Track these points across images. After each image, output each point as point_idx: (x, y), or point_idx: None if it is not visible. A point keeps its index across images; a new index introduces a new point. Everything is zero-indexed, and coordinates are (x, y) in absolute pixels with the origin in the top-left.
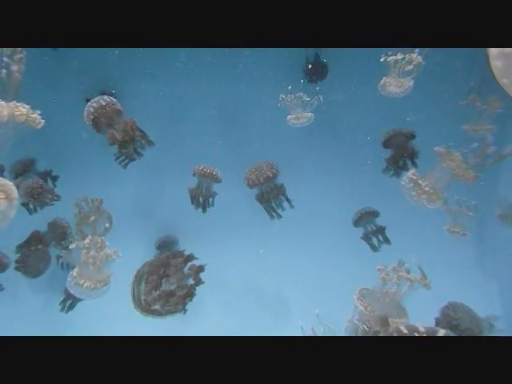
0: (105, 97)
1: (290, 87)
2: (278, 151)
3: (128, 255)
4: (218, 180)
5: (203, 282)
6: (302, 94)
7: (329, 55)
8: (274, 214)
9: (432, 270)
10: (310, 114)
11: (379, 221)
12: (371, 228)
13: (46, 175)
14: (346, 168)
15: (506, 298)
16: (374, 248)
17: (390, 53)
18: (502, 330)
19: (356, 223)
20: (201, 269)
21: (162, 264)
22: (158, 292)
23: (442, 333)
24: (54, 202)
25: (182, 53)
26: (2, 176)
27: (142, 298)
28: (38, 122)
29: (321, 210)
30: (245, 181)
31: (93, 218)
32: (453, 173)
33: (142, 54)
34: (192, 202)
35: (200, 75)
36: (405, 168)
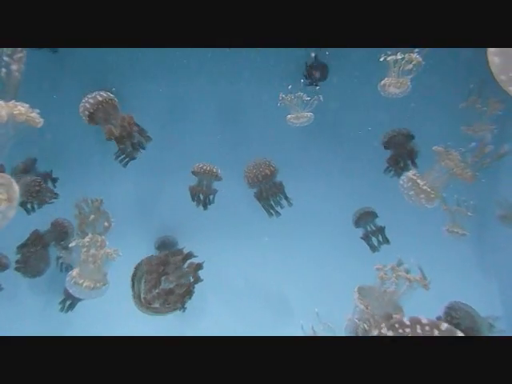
0: (102, 92)
1: (290, 87)
2: (277, 151)
3: (128, 254)
4: (218, 177)
5: (202, 280)
6: (301, 94)
7: (329, 55)
8: (272, 211)
9: (432, 270)
10: (309, 114)
11: (379, 221)
12: (371, 228)
13: (46, 176)
14: (346, 168)
15: (506, 297)
16: (374, 248)
17: (389, 52)
18: (502, 330)
19: (356, 223)
20: (199, 266)
21: (161, 262)
22: (157, 290)
23: (444, 327)
24: (53, 200)
25: (182, 53)
26: None
27: (142, 296)
28: (37, 121)
29: (320, 210)
30: (244, 179)
31: (92, 216)
32: (451, 172)
33: (142, 53)
34: (193, 200)
35: (200, 75)
36: (406, 168)
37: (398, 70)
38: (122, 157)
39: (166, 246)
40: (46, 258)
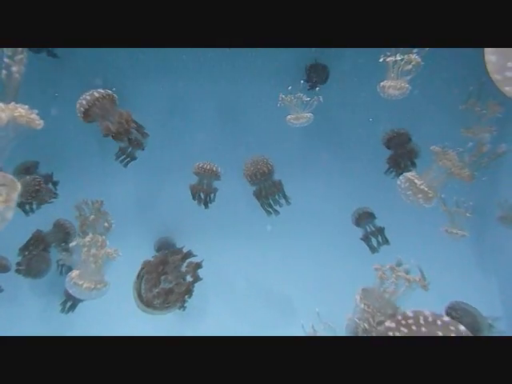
0: (99, 89)
1: (289, 87)
2: (277, 151)
3: (129, 254)
4: (218, 176)
5: (201, 279)
6: (301, 95)
7: (328, 56)
8: (270, 210)
9: (432, 270)
10: (309, 115)
11: (379, 221)
12: (370, 229)
13: (47, 179)
14: (346, 168)
15: (506, 297)
16: (373, 249)
17: (388, 53)
18: (502, 331)
19: (356, 223)
20: (199, 266)
21: (161, 262)
22: (157, 289)
23: (446, 318)
24: (53, 200)
25: (182, 52)
26: None
27: (143, 295)
28: (37, 122)
29: (320, 209)
30: (244, 177)
31: (92, 216)
32: (449, 172)
33: (142, 53)
34: (193, 198)
35: (200, 75)
36: (406, 169)
37: (398, 71)
38: (123, 157)
39: (165, 247)
40: (47, 260)
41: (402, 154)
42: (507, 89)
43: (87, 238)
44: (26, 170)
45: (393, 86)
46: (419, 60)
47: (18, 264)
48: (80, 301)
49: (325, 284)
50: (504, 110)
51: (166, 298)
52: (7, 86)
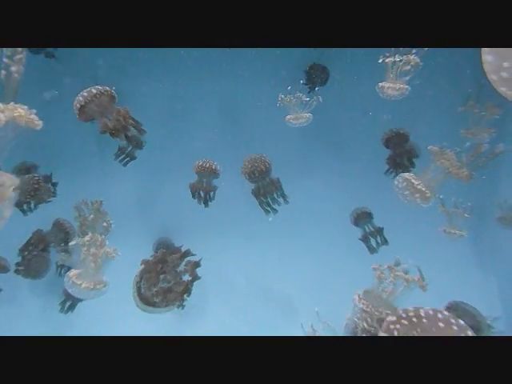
0: (97, 86)
1: (289, 88)
2: (276, 151)
3: (128, 254)
4: (217, 174)
5: (200, 278)
6: (301, 95)
7: (328, 56)
8: (269, 209)
9: (431, 270)
10: (308, 115)
11: (378, 221)
12: (369, 229)
13: (46, 179)
14: (345, 168)
15: (505, 296)
16: (372, 250)
17: (387, 54)
18: (501, 331)
19: (355, 223)
20: (197, 264)
21: (159, 261)
22: (156, 288)
23: (446, 313)
24: (52, 199)
25: (183, 52)
26: None
27: (142, 294)
28: (36, 122)
29: (319, 209)
30: (242, 175)
31: (91, 216)
32: (447, 171)
33: (142, 53)
34: (193, 197)
35: (200, 75)
36: (406, 169)
37: (397, 72)
38: (122, 157)
39: (163, 247)
40: (47, 260)
41: (400, 154)
42: (503, 89)
43: (86, 238)
44: (26, 170)
45: (392, 87)
46: (418, 60)
47: (18, 264)
48: (79, 300)
49: (324, 283)
50: (502, 111)
51: (165, 297)
52: (6, 86)
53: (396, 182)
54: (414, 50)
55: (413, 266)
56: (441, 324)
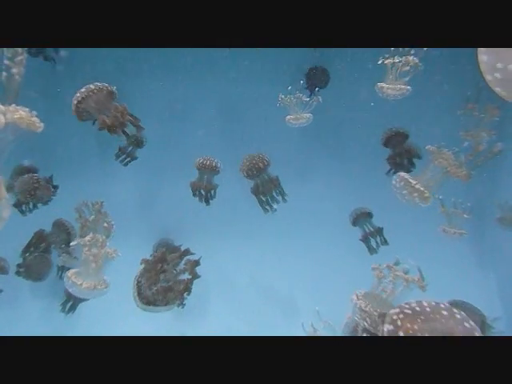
0: (96, 82)
1: (289, 88)
2: (276, 151)
3: (128, 254)
4: (217, 171)
5: (199, 276)
6: (301, 95)
7: (328, 56)
8: (267, 208)
9: (431, 270)
10: (308, 115)
11: (378, 221)
12: (369, 229)
13: (47, 181)
14: (345, 168)
15: (505, 296)
16: (372, 250)
17: (387, 55)
18: (502, 331)
19: (354, 223)
20: (197, 263)
21: (159, 260)
22: (156, 287)
23: (447, 306)
24: (52, 198)
25: (183, 52)
26: None
27: (142, 293)
28: (37, 125)
29: (319, 209)
30: (240, 172)
31: (92, 216)
32: (445, 171)
33: (143, 52)
34: (194, 195)
35: (200, 75)
36: (407, 170)
37: (396, 73)
38: (123, 157)
39: (163, 247)
40: (48, 263)
41: (400, 153)
42: (498, 89)
43: (87, 238)
44: (26, 171)
45: (391, 87)
46: (417, 61)
47: (19, 266)
48: (80, 301)
49: (324, 283)
50: (502, 112)
51: (165, 296)
52: (7, 87)
53: (394, 182)
54: (412, 51)
55: (413, 266)
56: (444, 312)
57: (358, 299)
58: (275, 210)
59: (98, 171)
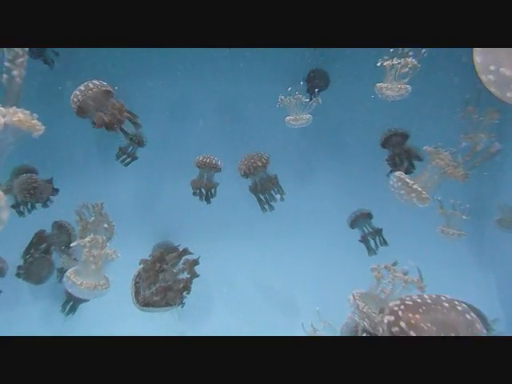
0: (94, 80)
1: (289, 89)
2: (276, 151)
3: (128, 254)
4: (218, 169)
5: (198, 275)
6: (300, 96)
7: (328, 57)
8: (266, 206)
9: (430, 270)
10: (308, 116)
11: (378, 222)
12: (368, 230)
13: (47, 184)
14: (345, 169)
15: (505, 297)
16: (371, 251)
17: (386, 57)
18: (501, 332)
19: (352, 225)
20: (196, 262)
21: (157, 260)
22: (155, 287)
23: (448, 298)
24: (51, 197)
25: (183, 52)
26: None
27: (141, 293)
28: (38, 128)
29: (319, 209)
30: (238, 171)
31: (93, 218)
32: (442, 171)
33: (143, 52)
34: (194, 194)
35: (200, 75)
36: (408, 171)
37: (395, 74)
38: (124, 157)
39: (162, 248)
40: (48, 265)
41: (399, 154)
42: (492, 89)
43: (87, 239)
44: (25, 171)
45: (390, 88)
46: (415, 63)
47: (19, 268)
48: (81, 302)
49: (325, 283)
50: (502, 114)
51: (165, 295)
52: (8, 90)
53: (391, 182)
54: (411, 53)
55: (412, 266)
56: (445, 304)
57: (355, 299)
58: (273, 208)
59: (98, 171)
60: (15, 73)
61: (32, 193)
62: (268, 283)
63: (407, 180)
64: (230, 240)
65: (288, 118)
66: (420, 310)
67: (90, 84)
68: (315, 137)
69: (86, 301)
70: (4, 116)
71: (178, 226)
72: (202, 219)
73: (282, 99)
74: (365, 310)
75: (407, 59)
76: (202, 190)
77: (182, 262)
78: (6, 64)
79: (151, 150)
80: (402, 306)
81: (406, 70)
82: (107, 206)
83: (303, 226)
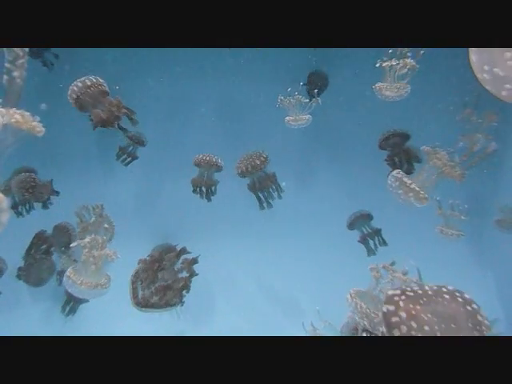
0: (91, 77)
1: (289, 89)
2: (275, 152)
3: (129, 255)
4: (219, 167)
5: (197, 274)
6: (300, 97)
7: (327, 57)
8: (264, 204)
9: (430, 270)
10: (308, 116)
11: (377, 222)
12: (367, 231)
13: (47, 186)
14: (344, 169)
15: (504, 298)
16: (370, 252)
17: (385, 58)
18: (501, 332)
19: (350, 226)
20: (194, 261)
21: (156, 259)
22: (154, 287)
23: (449, 290)
24: (50, 198)
25: (183, 52)
26: None
27: (140, 293)
28: (38, 129)
29: (319, 210)
30: (236, 169)
31: (93, 219)
32: (440, 171)
33: (142, 51)
34: (194, 191)
35: (200, 75)
36: (407, 172)
37: (394, 75)
38: (124, 157)
39: (161, 249)
40: (48, 267)
41: (398, 154)
42: (488, 88)
43: (87, 239)
44: (24, 171)
45: (390, 89)
46: (414, 64)
47: (20, 269)
48: (81, 302)
49: (325, 283)
50: (501, 113)
51: (164, 295)
52: (9, 91)
53: (389, 182)
54: (409, 53)
55: (412, 266)
56: (446, 296)
57: (353, 298)
58: (271, 206)
59: (98, 172)
60: (16, 74)
61: (30, 192)
62: (268, 283)
63: (405, 179)
64: (230, 239)
65: (287, 118)
66: (421, 302)
67: (87, 80)
68: (315, 137)
69: (86, 301)
70: (3, 117)
71: (179, 225)
72: (202, 219)
73: (281, 99)
74: (363, 310)
75: (406, 60)
76: (202, 188)
77: (180, 261)
78: (7, 65)
79: (151, 150)
80: (403, 297)
81: (405, 70)
82: (107, 206)
83: (303, 225)
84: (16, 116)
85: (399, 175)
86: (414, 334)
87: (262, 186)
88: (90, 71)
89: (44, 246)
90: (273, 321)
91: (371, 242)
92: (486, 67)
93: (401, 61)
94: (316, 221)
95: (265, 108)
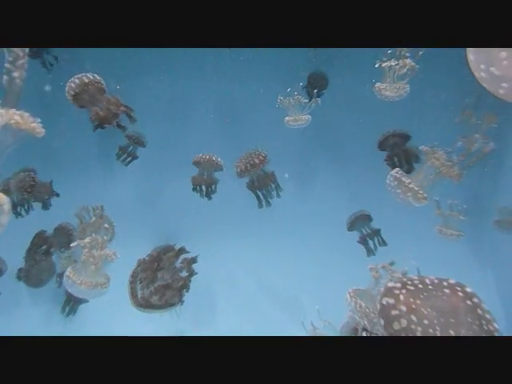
0: (88, 74)
1: (288, 89)
2: (275, 152)
3: (129, 255)
4: (219, 166)
5: (196, 273)
6: (300, 97)
7: (327, 57)
8: (263, 203)
9: (429, 271)
10: (307, 117)
11: (377, 222)
12: (366, 231)
13: (47, 187)
14: (344, 169)
15: (504, 298)
16: (370, 252)
17: (384, 59)
18: (501, 332)
19: (350, 227)
20: (193, 260)
21: (155, 259)
22: (154, 286)
23: (450, 284)
24: (50, 198)
25: (183, 52)
26: None
27: (139, 293)
28: (38, 130)
29: (319, 210)
30: (235, 168)
31: (93, 219)
32: (438, 171)
33: (142, 51)
34: (194, 190)
35: (199, 75)
36: (407, 172)
37: (393, 76)
38: (124, 157)
39: (161, 249)
40: (50, 268)
41: (397, 154)
42: (486, 86)
43: (87, 240)
44: (23, 171)
45: (389, 89)
46: (413, 64)
47: (20, 270)
48: (81, 302)
49: (325, 282)
50: (501, 114)
51: (164, 294)
52: (9, 91)
53: (388, 181)
54: (408, 54)
55: (413, 266)
56: (446, 290)
57: (351, 297)
58: (270, 204)
59: (98, 172)
60: (15, 74)
61: (29, 191)
62: (268, 282)
63: (403, 179)
64: (230, 239)
65: (287, 118)
66: (421, 296)
67: (84, 77)
68: (314, 137)
69: (85, 301)
70: (3, 117)
71: (179, 225)
72: (202, 218)
73: (281, 100)
74: (363, 309)
75: (405, 60)
76: (202, 186)
77: (179, 260)
78: (7, 65)
79: (151, 150)
80: (404, 290)
81: (405, 70)
82: (107, 206)
83: (303, 225)
84: (15, 117)
85: (398, 174)
86: (413, 327)
87: (261, 184)
88: (90, 71)
89: (44, 247)
90: (273, 320)
91: (371, 243)
92: (482, 66)
93: (400, 61)
94: (316, 220)
95: (264, 108)
